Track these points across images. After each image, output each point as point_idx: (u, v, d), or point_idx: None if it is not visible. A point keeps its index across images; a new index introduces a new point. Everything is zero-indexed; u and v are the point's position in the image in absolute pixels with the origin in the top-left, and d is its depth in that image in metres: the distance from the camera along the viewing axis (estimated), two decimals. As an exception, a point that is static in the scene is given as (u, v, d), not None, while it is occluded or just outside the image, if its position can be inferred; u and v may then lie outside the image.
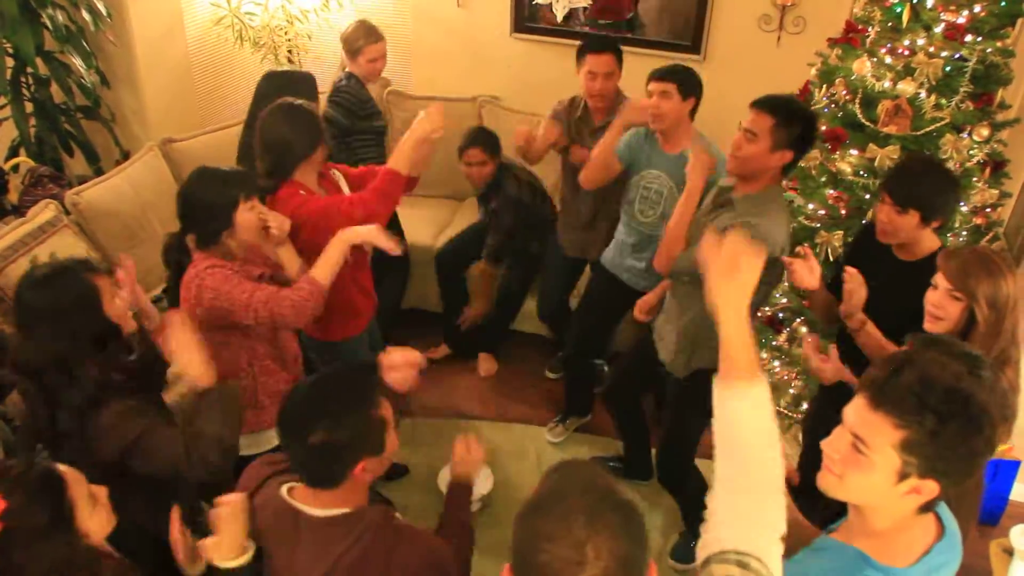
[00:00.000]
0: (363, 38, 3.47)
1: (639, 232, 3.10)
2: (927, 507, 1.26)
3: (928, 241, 2.33)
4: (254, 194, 2.28)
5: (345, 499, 1.57)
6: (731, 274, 1.31)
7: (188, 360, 1.89)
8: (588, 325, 3.54)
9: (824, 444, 1.30)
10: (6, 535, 1.39)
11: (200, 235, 2.27)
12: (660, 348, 2.81)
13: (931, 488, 1.21)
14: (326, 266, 2.31)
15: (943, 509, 1.37)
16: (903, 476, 1.21)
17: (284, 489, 1.61)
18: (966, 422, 1.18)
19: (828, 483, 1.30)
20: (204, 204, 2.23)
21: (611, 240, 3.32)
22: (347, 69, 3.56)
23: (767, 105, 2.38)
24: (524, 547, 1.08)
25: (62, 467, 1.51)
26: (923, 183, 2.27)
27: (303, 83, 3.20)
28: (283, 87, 2.98)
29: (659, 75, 2.89)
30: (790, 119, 2.36)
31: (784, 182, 3.16)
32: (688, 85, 2.89)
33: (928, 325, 2.07)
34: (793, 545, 1.41)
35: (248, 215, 2.25)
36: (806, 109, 2.44)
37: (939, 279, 2.04)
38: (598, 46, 3.23)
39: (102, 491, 1.55)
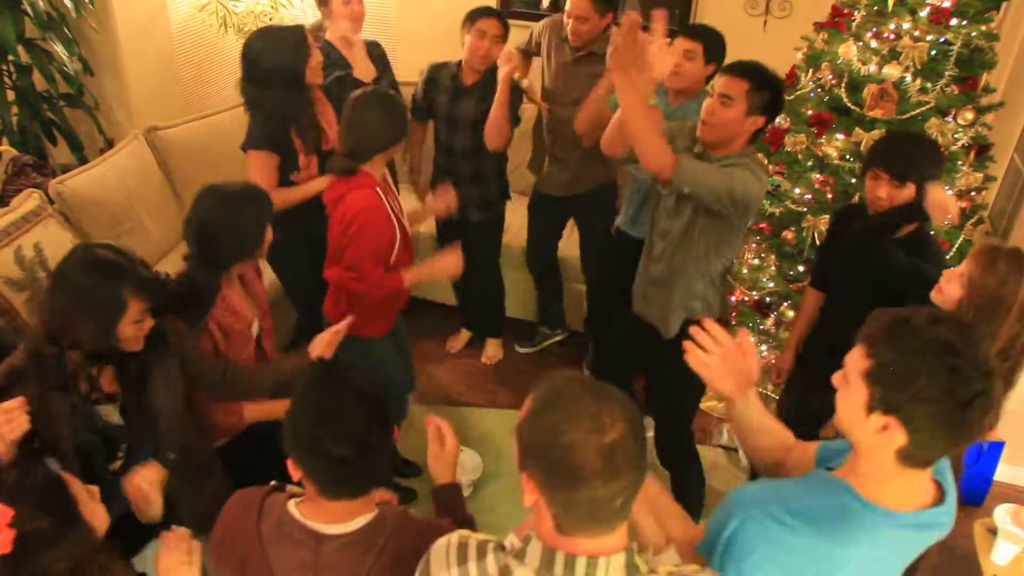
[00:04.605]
0: None
1: (638, 180, 3.11)
2: (908, 458, 1.27)
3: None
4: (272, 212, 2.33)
5: (363, 505, 1.51)
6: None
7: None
8: (601, 289, 3.58)
9: (833, 376, 1.38)
10: (23, 540, 1.39)
11: (220, 260, 2.24)
12: (646, 310, 2.76)
13: (895, 427, 1.24)
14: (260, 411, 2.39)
15: (944, 476, 1.39)
16: (870, 408, 1.26)
17: (295, 510, 1.52)
18: (922, 361, 1.21)
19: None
20: (239, 227, 2.22)
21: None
22: (326, 37, 3.37)
23: (740, 69, 2.38)
24: (545, 439, 1.16)
25: (57, 468, 1.52)
26: (917, 155, 2.36)
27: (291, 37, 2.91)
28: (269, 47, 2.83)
29: (688, 32, 2.86)
30: (763, 83, 2.37)
31: (771, 167, 3.19)
32: (714, 50, 2.86)
33: (933, 295, 2.11)
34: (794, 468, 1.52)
35: (269, 233, 2.31)
36: (775, 74, 2.45)
37: (965, 262, 2.06)
38: None
39: (95, 489, 1.55)
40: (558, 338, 4.17)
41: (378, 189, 2.55)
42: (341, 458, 1.42)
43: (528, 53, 3.59)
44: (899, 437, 1.24)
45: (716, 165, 2.39)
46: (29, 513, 1.41)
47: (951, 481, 1.41)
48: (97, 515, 1.52)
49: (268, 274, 3.20)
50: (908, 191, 2.33)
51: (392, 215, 2.59)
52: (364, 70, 3.24)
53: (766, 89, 2.37)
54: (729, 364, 1.60)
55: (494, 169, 3.59)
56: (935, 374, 1.20)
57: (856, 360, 1.29)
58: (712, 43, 2.85)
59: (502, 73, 3.20)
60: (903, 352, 1.22)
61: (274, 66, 2.79)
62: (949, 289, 2.04)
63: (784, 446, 1.62)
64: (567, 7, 3.23)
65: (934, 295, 2.09)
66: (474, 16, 3.27)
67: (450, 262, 2.71)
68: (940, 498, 1.36)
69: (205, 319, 2.24)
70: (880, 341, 1.26)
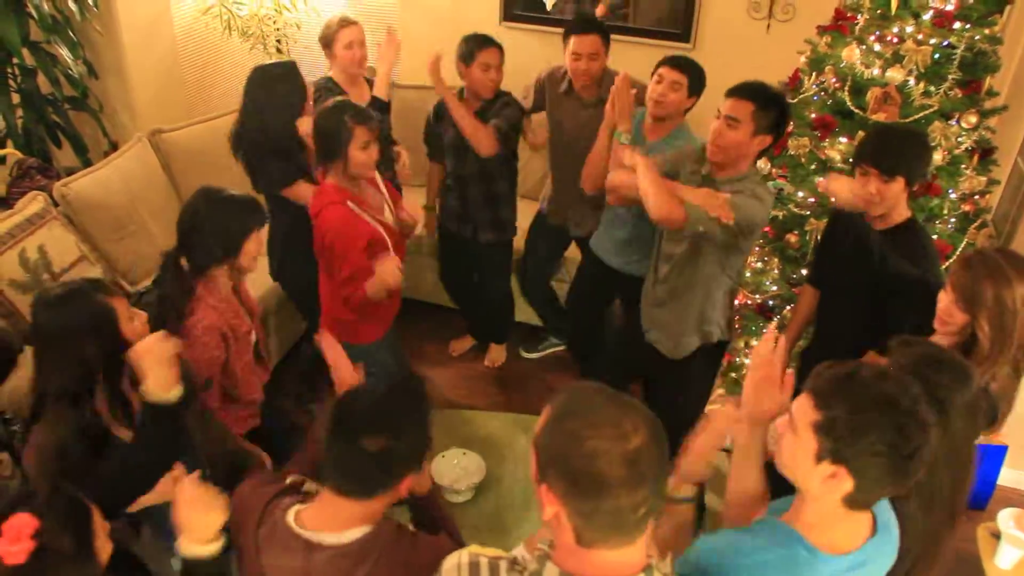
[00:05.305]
0: (335, 24, 3.34)
1: (615, 211, 3.10)
2: (853, 502, 1.32)
3: (902, 209, 2.42)
4: (263, 225, 2.34)
5: (366, 515, 1.50)
6: None
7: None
8: (580, 314, 3.55)
9: (776, 421, 1.44)
10: (40, 555, 1.37)
11: (197, 260, 2.26)
12: (653, 334, 2.81)
13: (844, 476, 1.28)
14: None
15: (882, 510, 1.43)
16: (820, 458, 1.30)
17: (292, 518, 1.53)
18: (871, 417, 1.26)
19: (776, 457, 1.42)
20: (216, 228, 2.24)
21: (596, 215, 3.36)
22: (329, 74, 3.43)
23: (746, 91, 2.42)
24: (566, 447, 1.14)
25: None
26: (905, 150, 2.37)
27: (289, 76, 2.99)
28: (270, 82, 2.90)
29: (675, 63, 2.89)
30: (768, 104, 2.41)
31: (774, 171, 3.19)
32: (698, 84, 2.91)
33: (937, 325, 2.09)
34: (746, 517, 1.56)
35: (254, 245, 2.31)
36: (780, 93, 2.50)
37: (949, 285, 2.04)
38: (582, 28, 3.21)
39: (106, 526, 1.54)
40: (564, 348, 4.17)
41: (350, 203, 2.58)
42: (335, 439, 1.45)
43: (528, 112, 3.54)
44: (846, 484, 1.29)
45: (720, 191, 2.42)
46: (54, 530, 1.39)
47: (886, 510, 1.45)
48: (104, 552, 1.50)
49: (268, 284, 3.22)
50: (897, 186, 2.33)
51: (369, 220, 2.62)
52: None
53: (771, 108, 2.42)
54: (766, 388, 1.62)
55: (505, 190, 3.58)
56: (883, 430, 1.25)
57: (804, 411, 1.32)
58: (696, 77, 2.90)
59: (434, 78, 3.25)
60: (852, 408, 1.27)
61: (278, 119, 2.85)
62: (950, 319, 2.03)
63: (756, 498, 1.62)
64: (573, 48, 3.20)
65: (938, 326, 2.07)
66: (473, 50, 3.26)
67: (386, 271, 2.58)
68: (874, 530, 1.40)
69: (206, 323, 2.26)
70: (829, 395, 1.30)
